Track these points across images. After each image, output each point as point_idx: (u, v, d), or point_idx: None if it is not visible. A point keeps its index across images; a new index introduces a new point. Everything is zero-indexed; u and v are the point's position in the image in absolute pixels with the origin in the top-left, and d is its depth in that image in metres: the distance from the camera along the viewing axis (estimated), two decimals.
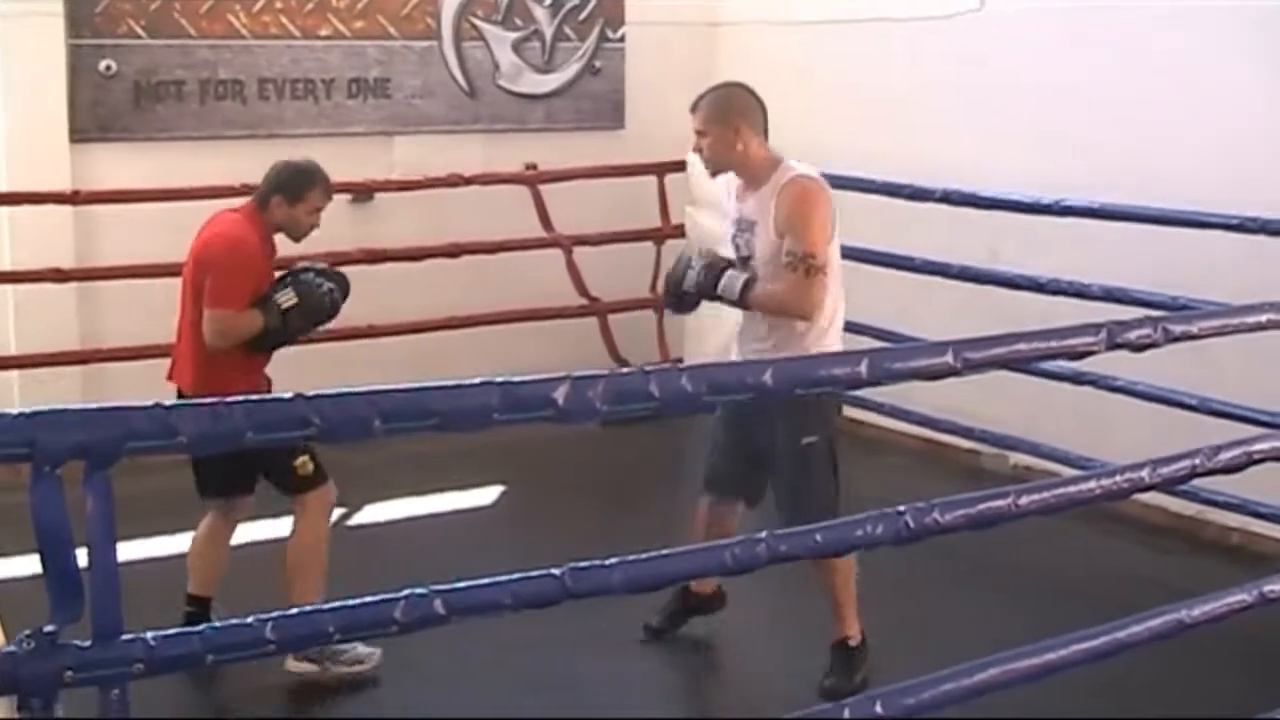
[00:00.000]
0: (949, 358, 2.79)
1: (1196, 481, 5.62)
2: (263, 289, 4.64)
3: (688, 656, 5.00)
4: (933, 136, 7.24)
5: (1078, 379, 6.10)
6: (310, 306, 4.65)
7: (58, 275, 6.65)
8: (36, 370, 6.75)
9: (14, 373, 6.80)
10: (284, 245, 4.91)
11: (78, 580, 2.14)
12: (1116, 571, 5.76)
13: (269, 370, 4.83)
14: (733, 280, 4.49)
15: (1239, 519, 5.98)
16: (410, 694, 4.69)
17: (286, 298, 4.62)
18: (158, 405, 2.12)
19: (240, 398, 2.17)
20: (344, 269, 6.46)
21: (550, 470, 7.04)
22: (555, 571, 2.44)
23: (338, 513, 6.10)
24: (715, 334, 7.59)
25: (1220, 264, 5.76)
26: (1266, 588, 3.59)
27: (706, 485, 4.85)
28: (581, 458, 7.20)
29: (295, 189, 4.68)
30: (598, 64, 8.25)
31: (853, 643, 4.63)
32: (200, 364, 4.66)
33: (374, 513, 6.39)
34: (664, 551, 2.54)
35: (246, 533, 5.08)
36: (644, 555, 2.53)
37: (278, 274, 4.79)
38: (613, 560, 2.50)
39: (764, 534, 2.64)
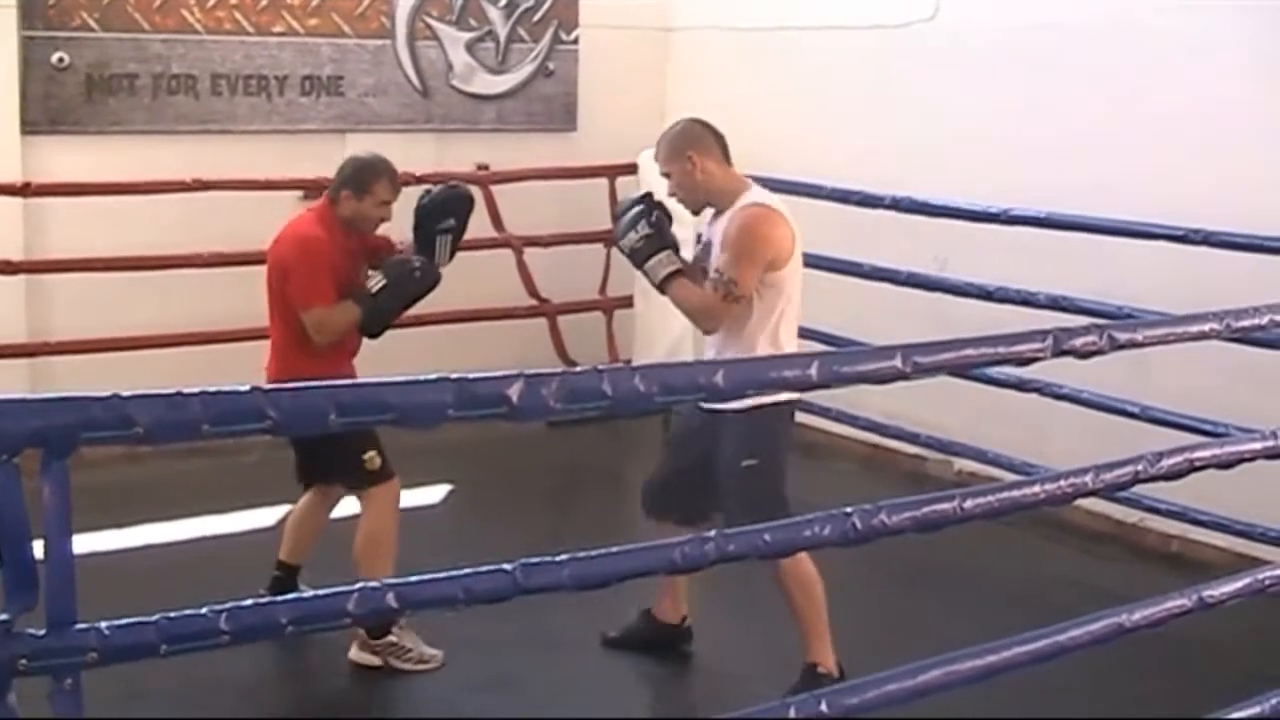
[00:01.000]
0: (898, 361, 2.82)
1: (1139, 489, 5.74)
2: (344, 280, 4.75)
3: (638, 659, 5.00)
4: (883, 144, 7.30)
5: (1022, 386, 6.18)
6: (398, 284, 4.76)
7: (7, 267, 6.61)
8: None
9: None
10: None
11: (33, 569, 2.14)
12: (1057, 577, 5.83)
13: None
14: (659, 266, 4.52)
15: (1179, 526, 6.08)
16: (357, 691, 4.71)
17: (375, 281, 4.76)
18: (115, 395, 2.12)
19: (197, 389, 2.19)
20: None
21: (497, 470, 7.06)
22: (507, 567, 2.46)
23: (285, 508, 6.15)
24: (665, 336, 7.65)
25: (1164, 275, 5.85)
26: (1205, 592, 3.64)
27: (649, 511, 4.84)
28: (528, 458, 7.24)
29: (361, 183, 4.79)
30: (551, 66, 8.27)
31: (821, 670, 4.53)
32: (279, 354, 4.84)
33: None
34: (613, 549, 2.57)
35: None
36: (594, 552, 2.56)
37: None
38: (563, 557, 2.52)
39: (713, 533, 2.67)
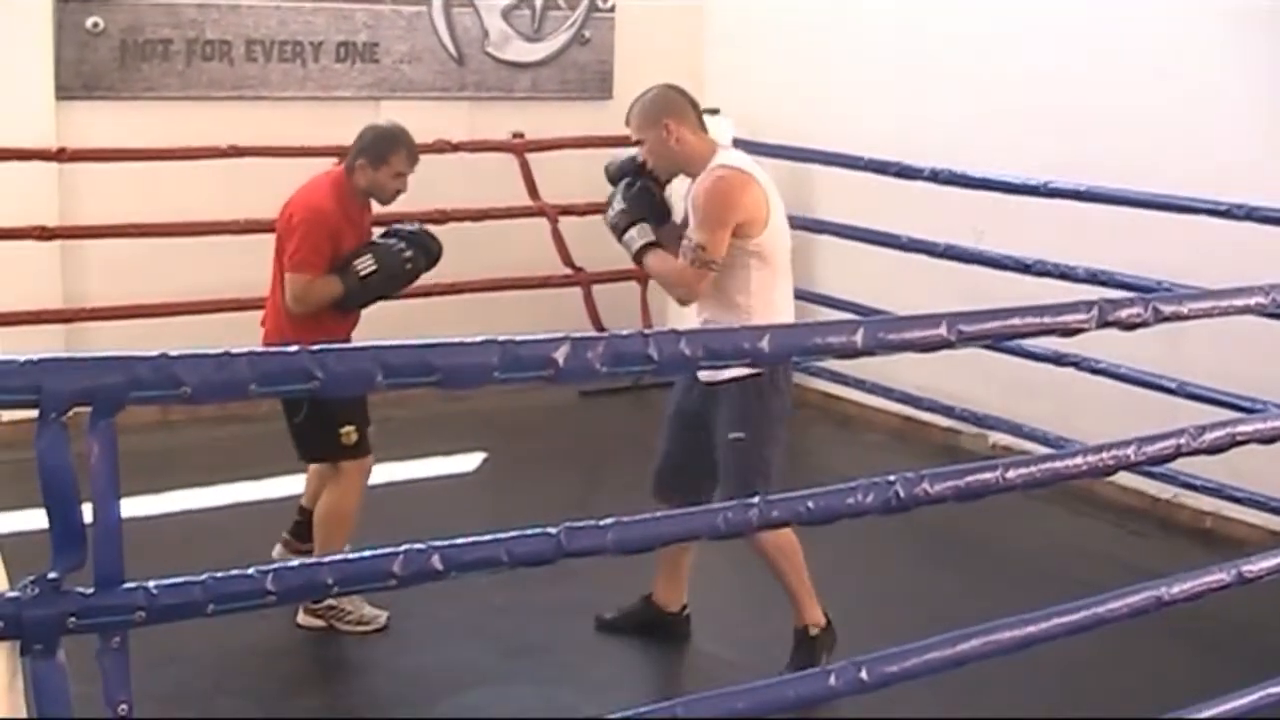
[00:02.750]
0: (943, 329, 2.80)
1: (1174, 465, 5.73)
2: (345, 252, 4.74)
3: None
4: (922, 115, 7.26)
5: (1059, 360, 6.15)
6: (389, 273, 4.75)
7: (42, 233, 6.62)
8: (18, 328, 6.72)
9: None
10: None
11: (81, 528, 2.15)
12: (1090, 552, 5.82)
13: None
14: (634, 240, 4.47)
15: (1213, 503, 6.05)
16: (391, 655, 4.73)
17: (365, 264, 4.72)
18: (163, 355, 2.13)
19: (244, 349, 2.19)
20: None
21: (530, 438, 7.08)
22: (551, 530, 2.45)
23: None
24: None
25: (1205, 250, 5.80)
26: (1244, 568, 3.62)
27: (654, 491, 4.68)
28: (560, 427, 7.26)
29: (379, 153, 4.76)
30: (587, 34, 8.24)
31: (813, 631, 4.56)
32: (277, 317, 4.84)
33: None
34: (657, 513, 2.56)
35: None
36: (637, 516, 2.55)
37: (378, 232, 4.94)
38: (608, 520, 2.52)
39: (756, 499, 2.67)
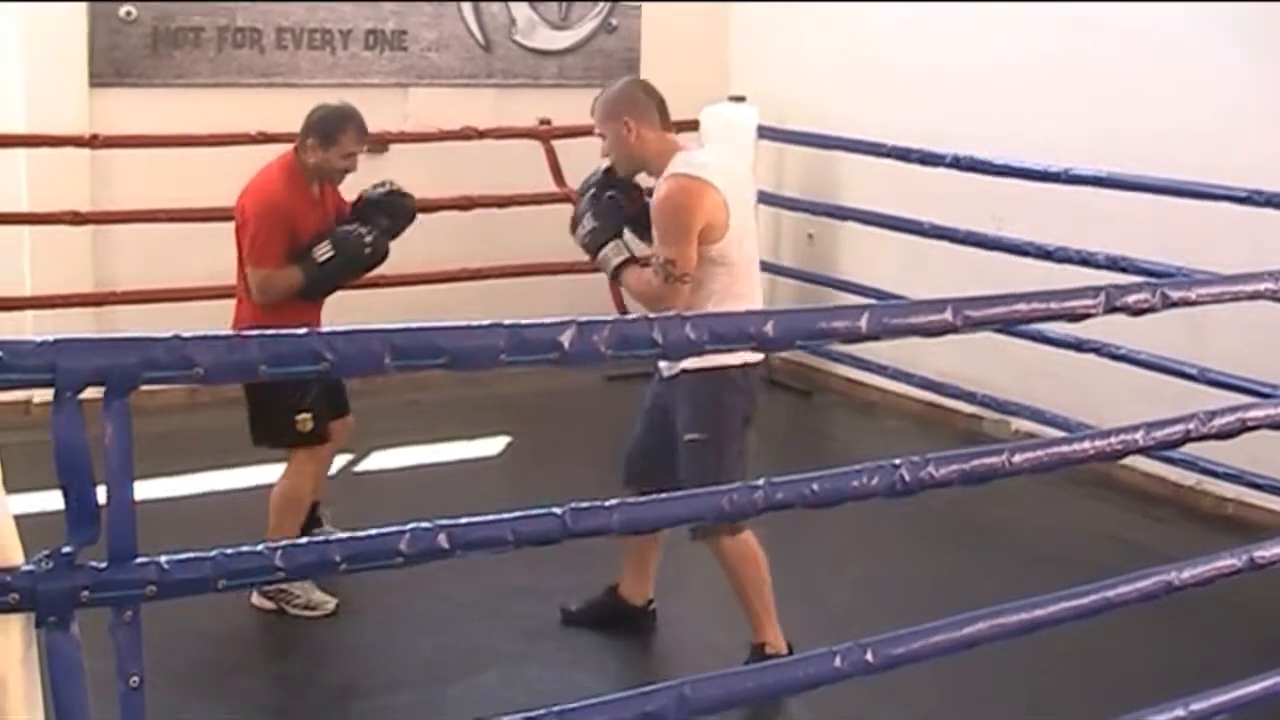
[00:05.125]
0: (948, 315, 2.83)
1: (1195, 451, 5.74)
2: (306, 236, 4.74)
3: (677, 613, 5.04)
4: (945, 102, 7.28)
5: (1080, 346, 6.17)
6: (347, 257, 4.76)
7: (75, 218, 6.71)
8: (50, 311, 6.81)
9: (28, 313, 6.86)
10: None
11: (95, 504, 2.20)
12: (1111, 538, 5.84)
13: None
14: (609, 259, 4.38)
15: (1235, 489, 6.06)
16: (403, 635, 4.80)
17: (323, 251, 4.73)
18: (176, 336, 2.18)
19: (256, 331, 2.24)
20: None
21: (554, 423, 7.14)
22: (556, 510, 2.50)
23: (345, 458, 6.25)
24: None
25: (1225, 236, 5.81)
26: (1257, 553, 3.62)
27: (625, 480, 4.60)
28: (584, 411, 7.30)
29: (327, 133, 4.77)
30: (614, 22, 8.28)
31: (769, 650, 4.39)
32: (243, 306, 4.86)
33: (380, 459, 6.49)
34: (662, 496, 2.60)
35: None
36: (644, 499, 2.60)
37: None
38: (612, 501, 2.56)
39: (762, 480, 2.70)
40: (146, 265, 7.01)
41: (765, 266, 7.89)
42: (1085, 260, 6.08)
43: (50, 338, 2.14)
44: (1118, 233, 6.17)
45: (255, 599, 4.85)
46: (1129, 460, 6.26)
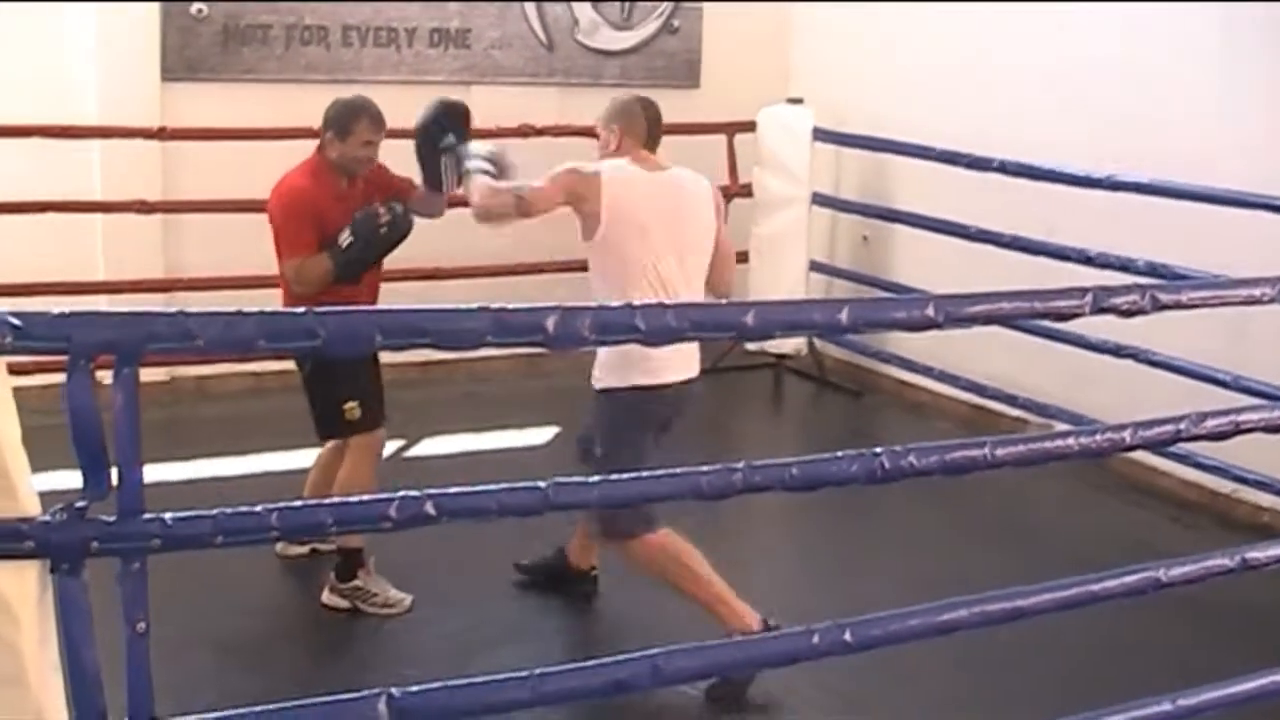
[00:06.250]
0: (930, 310, 2.95)
1: (1232, 459, 5.81)
2: (334, 228, 4.87)
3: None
4: (994, 107, 7.36)
5: (1118, 351, 6.25)
6: (365, 239, 4.87)
7: (143, 207, 6.97)
8: (121, 296, 7.07)
9: (101, 298, 7.12)
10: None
11: (104, 461, 2.39)
12: (1139, 544, 5.85)
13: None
14: (472, 170, 4.80)
15: (1271, 498, 6.08)
16: (428, 613, 4.99)
17: (344, 237, 4.87)
18: (180, 312, 2.37)
19: (255, 308, 2.42)
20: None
21: None
22: (540, 484, 2.66)
23: (396, 444, 6.45)
24: (776, 294, 7.78)
25: (1266, 244, 5.84)
26: (1249, 554, 3.69)
27: (580, 457, 4.86)
28: None
29: (343, 125, 4.94)
30: (675, 23, 8.43)
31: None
32: (289, 298, 4.98)
33: (431, 446, 6.69)
34: (642, 474, 2.74)
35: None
36: (624, 475, 2.75)
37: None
38: (595, 479, 2.71)
39: (741, 464, 2.84)
40: (215, 253, 7.24)
41: (821, 268, 8.09)
42: (1125, 266, 6.14)
43: (65, 310, 2.34)
44: (1161, 240, 6.23)
45: (326, 597, 4.97)
46: (1167, 467, 6.36)
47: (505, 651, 4.65)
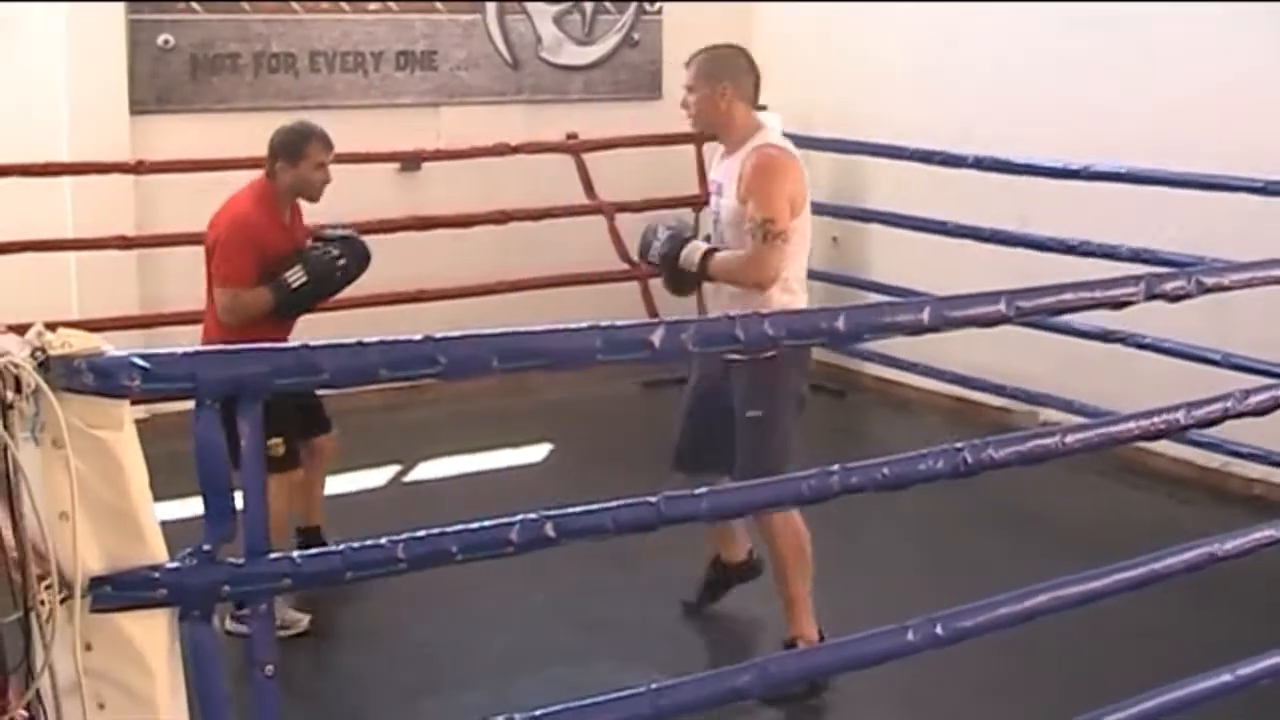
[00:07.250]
0: (1002, 306, 3.02)
1: (1221, 433, 5.89)
2: (275, 259, 4.81)
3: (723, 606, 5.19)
4: (963, 104, 7.45)
5: (1106, 336, 6.35)
6: (320, 282, 4.83)
7: (123, 242, 6.89)
8: (98, 334, 6.95)
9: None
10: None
11: (231, 504, 2.38)
12: (1141, 521, 5.98)
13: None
14: (693, 251, 4.51)
15: (1261, 470, 6.22)
16: (470, 634, 4.98)
17: (296, 276, 4.80)
18: (304, 345, 2.36)
19: (375, 339, 2.42)
20: (395, 235, 6.79)
21: (595, 429, 7.30)
22: (651, 499, 2.67)
23: (395, 469, 6.45)
24: None
25: (1245, 227, 5.96)
26: None
27: (675, 465, 4.80)
28: (623, 417, 7.47)
29: (293, 149, 4.90)
30: (636, 36, 8.47)
31: (803, 644, 4.42)
32: (212, 329, 4.93)
33: (428, 470, 6.68)
34: (747, 483, 2.77)
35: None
36: (730, 485, 2.77)
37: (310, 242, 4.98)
38: (701, 490, 2.74)
39: (836, 466, 2.87)
40: (193, 286, 7.12)
41: None
42: (1108, 254, 6.25)
43: (190, 350, 2.33)
44: (1140, 226, 6.33)
45: (229, 624, 4.51)
46: (1156, 445, 6.46)
47: (554, 670, 4.65)
